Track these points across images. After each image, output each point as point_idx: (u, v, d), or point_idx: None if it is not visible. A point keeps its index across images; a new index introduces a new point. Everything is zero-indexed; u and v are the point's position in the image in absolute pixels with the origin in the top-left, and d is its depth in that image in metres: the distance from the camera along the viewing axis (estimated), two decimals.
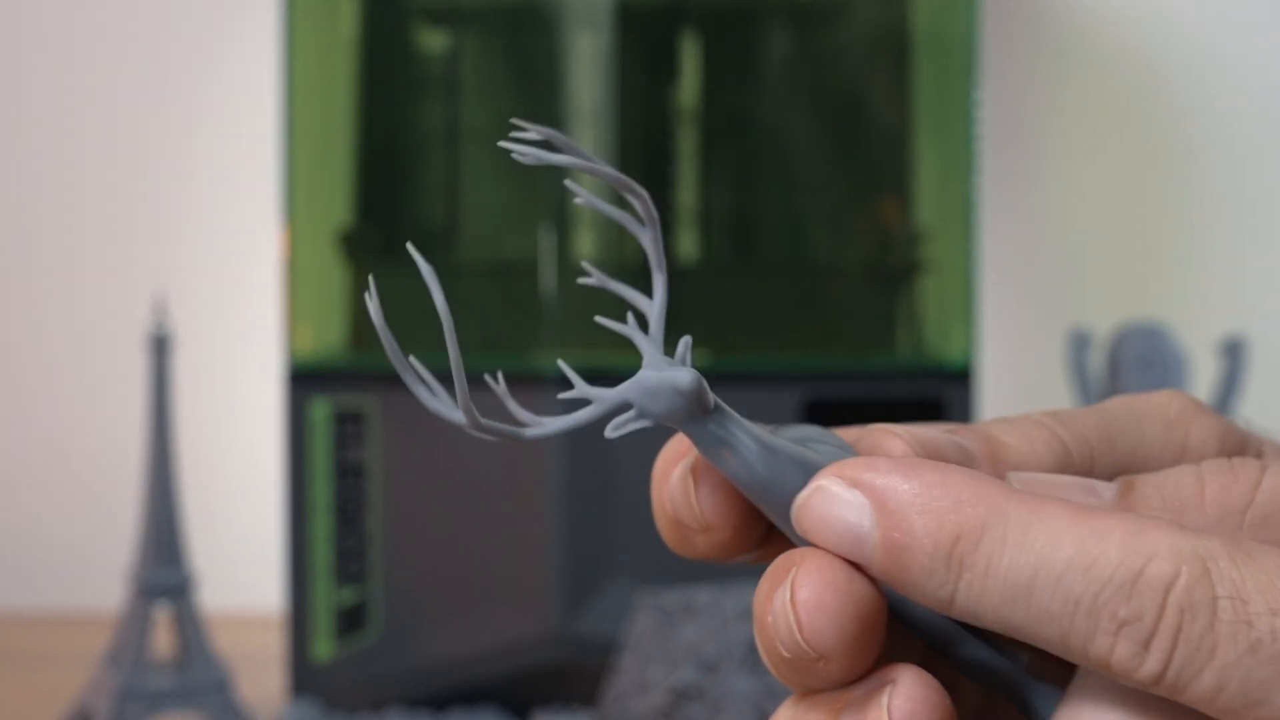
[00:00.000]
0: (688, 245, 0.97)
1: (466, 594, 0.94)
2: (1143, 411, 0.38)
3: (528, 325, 0.94)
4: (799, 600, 0.33)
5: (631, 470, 0.92)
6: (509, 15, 0.99)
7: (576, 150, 0.35)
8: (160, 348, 0.92)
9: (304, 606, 0.94)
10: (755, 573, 0.86)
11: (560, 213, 0.95)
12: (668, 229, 0.97)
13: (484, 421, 0.35)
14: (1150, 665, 0.30)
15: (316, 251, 0.97)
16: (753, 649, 0.82)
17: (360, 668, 0.94)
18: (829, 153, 0.99)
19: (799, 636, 0.33)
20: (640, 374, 0.35)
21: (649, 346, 0.36)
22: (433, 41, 1.00)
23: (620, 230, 0.96)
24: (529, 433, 0.36)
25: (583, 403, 0.36)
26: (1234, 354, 1.08)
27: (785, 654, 0.33)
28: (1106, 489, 0.35)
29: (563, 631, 0.93)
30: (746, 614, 0.82)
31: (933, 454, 0.36)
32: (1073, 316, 1.24)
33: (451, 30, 0.99)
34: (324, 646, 0.95)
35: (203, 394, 1.23)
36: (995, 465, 0.37)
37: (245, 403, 1.26)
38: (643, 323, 0.37)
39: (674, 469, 0.37)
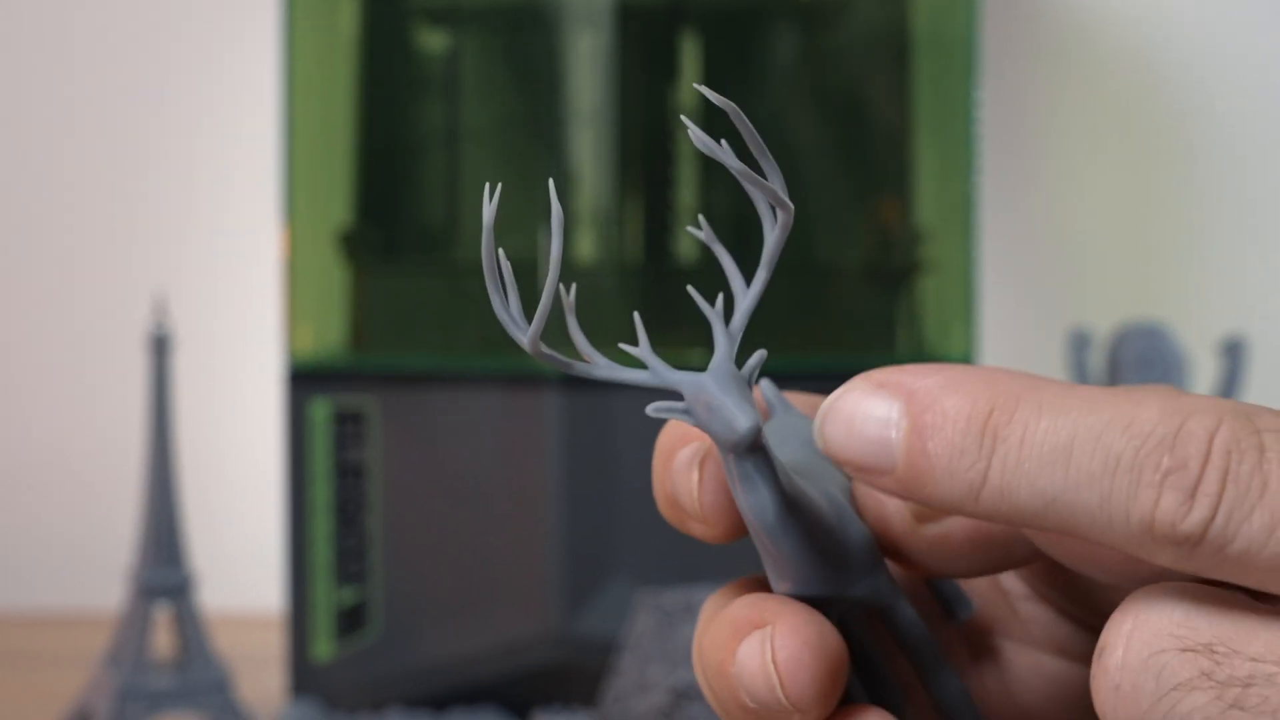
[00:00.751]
0: (688, 245, 0.97)
1: (466, 594, 0.94)
2: None
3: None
4: (780, 660, 0.34)
5: (632, 470, 0.92)
6: (509, 15, 0.99)
7: (751, 135, 0.34)
8: (160, 348, 0.92)
9: (304, 606, 0.94)
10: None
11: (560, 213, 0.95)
12: (668, 229, 0.97)
13: (544, 348, 0.35)
14: (1198, 513, 0.29)
15: (316, 251, 0.97)
16: None
17: (360, 668, 0.94)
18: (829, 153, 0.99)
19: (780, 694, 0.34)
20: (707, 377, 0.34)
21: (724, 342, 0.35)
22: (433, 41, 1.00)
23: (621, 231, 0.96)
24: (579, 368, 0.35)
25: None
26: (1234, 354, 1.08)
27: (751, 705, 0.35)
28: None
29: (563, 631, 0.93)
30: None
31: None
32: (1073, 316, 1.24)
33: (451, 30, 0.99)
34: (324, 646, 0.95)
35: (203, 394, 1.23)
36: None
37: (245, 403, 1.26)
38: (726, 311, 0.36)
39: (680, 450, 0.37)
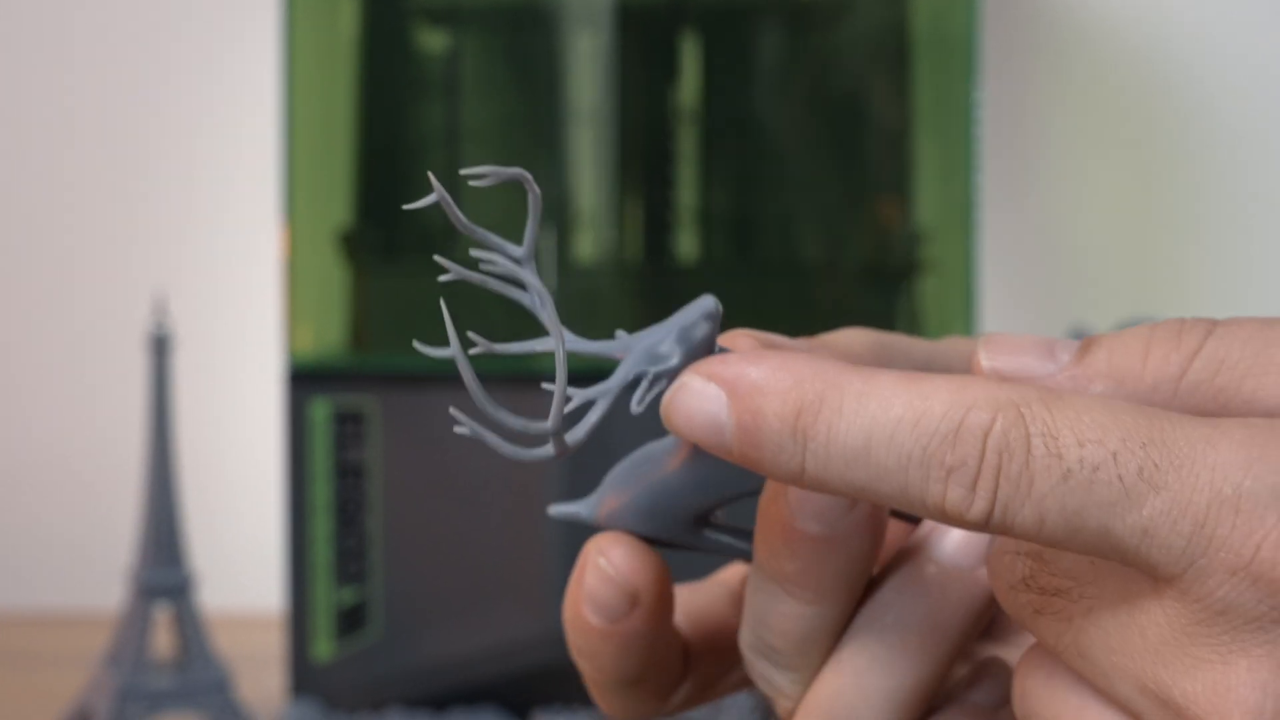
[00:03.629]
0: (688, 245, 0.97)
1: (466, 594, 0.94)
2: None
3: (528, 325, 0.93)
4: (614, 563, 0.43)
5: None
6: (509, 15, 0.99)
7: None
8: (160, 348, 0.92)
9: (304, 606, 0.94)
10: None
11: (560, 213, 0.95)
12: (668, 229, 0.97)
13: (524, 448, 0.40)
14: (978, 506, 0.33)
15: (316, 251, 0.97)
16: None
17: (360, 668, 0.94)
18: (829, 152, 0.99)
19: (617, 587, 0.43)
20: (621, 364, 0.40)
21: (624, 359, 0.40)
22: (433, 41, 1.00)
23: (621, 231, 0.96)
24: (564, 441, 0.40)
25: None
26: None
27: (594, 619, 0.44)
28: (1066, 349, 0.37)
29: (563, 631, 0.93)
30: None
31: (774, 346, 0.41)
32: (1072, 316, 1.24)
33: (451, 30, 0.99)
34: (324, 646, 0.95)
35: (203, 394, 1.23)
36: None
37: (245, 403, 1.26)
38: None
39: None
